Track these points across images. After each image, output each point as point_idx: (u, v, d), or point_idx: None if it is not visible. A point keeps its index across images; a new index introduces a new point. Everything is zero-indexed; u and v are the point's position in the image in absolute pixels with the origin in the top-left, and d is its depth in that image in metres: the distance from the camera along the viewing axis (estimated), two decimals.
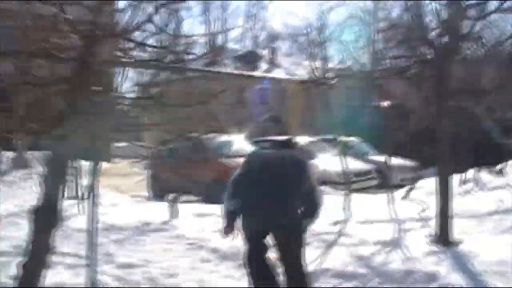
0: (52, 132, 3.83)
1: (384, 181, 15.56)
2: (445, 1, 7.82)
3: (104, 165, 9.53)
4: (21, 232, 7.62)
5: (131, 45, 4.11)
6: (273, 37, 39.29)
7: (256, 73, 34.58)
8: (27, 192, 12.84)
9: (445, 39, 7.68)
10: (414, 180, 12.57)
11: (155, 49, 4.45)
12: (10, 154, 15.39)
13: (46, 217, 3.91)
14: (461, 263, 6.46)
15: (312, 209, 5.11)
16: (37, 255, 3.93)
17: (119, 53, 4.23)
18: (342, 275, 6.03)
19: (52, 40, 3.88)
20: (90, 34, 3.54)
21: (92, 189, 5.31)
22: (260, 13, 43.17)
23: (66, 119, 3.76)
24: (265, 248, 5.08)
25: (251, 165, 5.27)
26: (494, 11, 7.88)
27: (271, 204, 4.91)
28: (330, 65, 30.54)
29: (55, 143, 3.83)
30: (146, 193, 14.98)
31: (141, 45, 4.15)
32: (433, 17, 7.60)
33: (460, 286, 5.70)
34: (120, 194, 13.60)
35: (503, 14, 8.31)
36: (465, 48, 8.00)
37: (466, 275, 6.02)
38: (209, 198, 12.09)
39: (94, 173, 5.40)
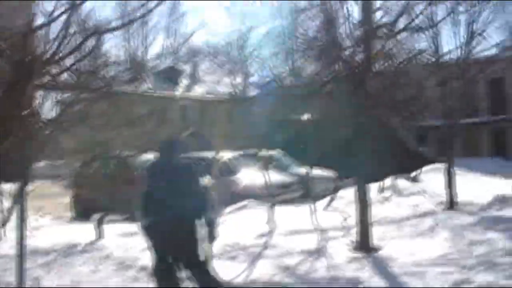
0: None
1: (306, 192, 15.95)
2: (357, 22, 8.24)
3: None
4: None
5: (59, 70, 4.17)
6: (194, 53, 39.31)
7: (178, 93, 34.60)
8: None
9: (359, 57, 8.10)
10: (335, 190, 12.97)
11: (82, 74, 4.54)
12: None
13: None
14: (382, 268, 6.83)
15: (210, 230, 5.16)
16: None
17: (47, 78, 4.28)
18: (271, 284, 6.21)
19: None
20: (21, 59, 3.58)
21: (21, 211, 5.22)
22: (180, 29, 42.94)
23: None
24: (169, 263, 5.14)
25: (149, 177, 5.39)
26: (403, 30, 8.39)
27: (165, 221, 5.00)
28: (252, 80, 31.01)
29: None
30: (69, 214, 14.64)
31: (70, 70, 4.22)
32: (347, 37, 7.99)
33: None
34: (42, 216, 13.24)
35: (410, 32, 8.81)
36: (378, 65, 8.41)
37: (386, 279, 6.39)
38: (135, 216, 12.01)
39: (21, 194, 5.30)
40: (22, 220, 5.20)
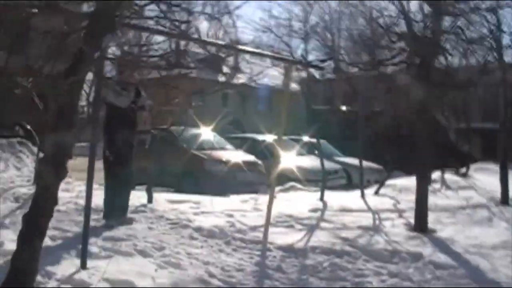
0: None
1: (349, 180, 15.87)
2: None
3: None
4: None
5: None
6: (237, 43, 39.28)
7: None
8: None
9: (427, 33, 7.94)
10: (383, 179, 12.80)
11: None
12: None
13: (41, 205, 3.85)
14: (443, 245, 6.69)
15: None
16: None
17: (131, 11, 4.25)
18: (330, 252, 6.11)
19: None
20: None
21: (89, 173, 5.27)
22: (224, 19, 42.92)
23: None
24: None
25: None
26: (475, 10, 8.21)
27: None
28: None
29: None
30: None
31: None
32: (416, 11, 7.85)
33: (446, 263, 5.87)
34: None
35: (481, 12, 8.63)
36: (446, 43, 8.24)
37: (449, 255, 6.23)
38: (181, 188, 12.06)
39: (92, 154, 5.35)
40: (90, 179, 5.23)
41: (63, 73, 3.91)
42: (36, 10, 4.42)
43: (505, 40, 11.80)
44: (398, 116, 15.20)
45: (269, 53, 8.85)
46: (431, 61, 7.53)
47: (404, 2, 7.64)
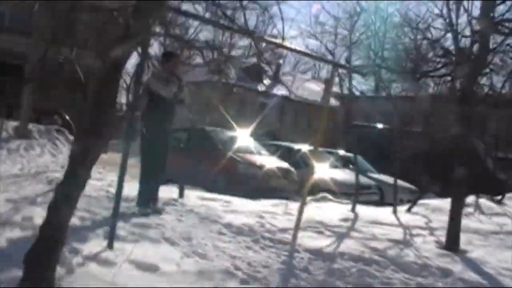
0: None
1: (382, 198, 15.71)
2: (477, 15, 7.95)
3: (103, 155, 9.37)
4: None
5: None
6: (278, 55, 39.44)
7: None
8: (27, 160, 12.75)
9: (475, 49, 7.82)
10: (415, 199, 12.63)
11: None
12: (13, 124, 15.31)
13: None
14: (473, 265, 6.52)
15: None
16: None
17: None
18: (359, 259, 6.01)
19: None
20: None
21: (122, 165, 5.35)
22: (268, 31, 43.17)
23: None
24: None
25: None
26: None
27: None
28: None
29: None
30: None
31: None
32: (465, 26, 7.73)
33: (476, 281, 5.74)
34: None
35: None
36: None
37: (480, 275, 6.07)
38: (213, 189, 12.07)
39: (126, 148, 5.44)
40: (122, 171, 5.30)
41: (108, 48, 3.95)
42: None
43: None
44: (436, 138, 15.03)
45: (315, 54, 8.84)
46: (475, 78, 7.41)
47: (453, 17, 7.55)
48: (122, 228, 5.94)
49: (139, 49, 5.22)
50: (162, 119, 7.58)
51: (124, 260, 4.75)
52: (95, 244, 5.18)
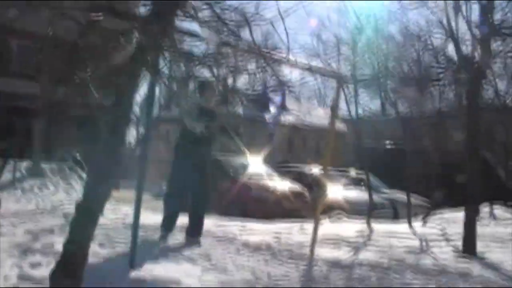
0: None
1: (397, 215, 15.68)
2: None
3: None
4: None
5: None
6: (283, 83, 39.68)
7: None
8: (41, 198, 12.85)
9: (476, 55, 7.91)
10: (428, 210, 12.70)
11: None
12: (25, 163, 15.45)
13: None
14: (492, 267, 6.55)
15: None
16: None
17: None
18: (377, 267, 6.06)
19: None
20: None
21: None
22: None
23: None
24: None
25: None
26: None
27: None
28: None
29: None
30: None
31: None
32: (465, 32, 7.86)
33: (496, 281, 5.76)
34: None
35: None
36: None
37: (499, 275, 6.09)
38: (227, 214, 12.12)
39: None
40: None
41: (120, 68, 4.10)
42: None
43: None
44: (445, 153, 15.08)
45: (321, 67, 8.96)
46: (479, 82, 7.52)
47: (453, 24, 7.68)
48: (142, 249, 6.01)
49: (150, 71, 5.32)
50: (193, 150, 7.23)
51: (146, 276, 4.83)
52: (116, 264, 5.27)
